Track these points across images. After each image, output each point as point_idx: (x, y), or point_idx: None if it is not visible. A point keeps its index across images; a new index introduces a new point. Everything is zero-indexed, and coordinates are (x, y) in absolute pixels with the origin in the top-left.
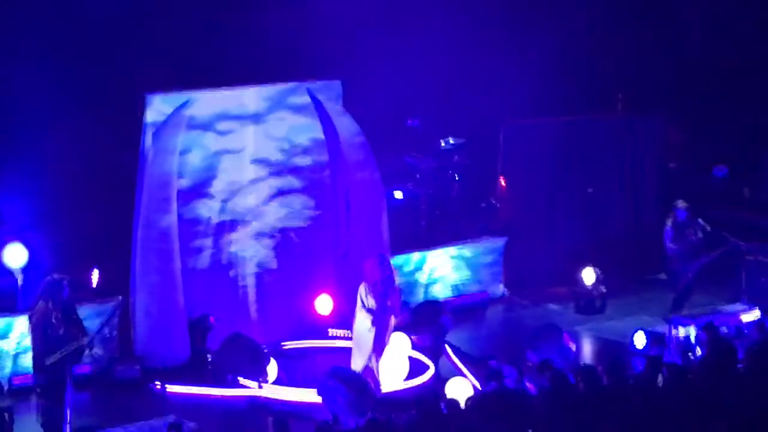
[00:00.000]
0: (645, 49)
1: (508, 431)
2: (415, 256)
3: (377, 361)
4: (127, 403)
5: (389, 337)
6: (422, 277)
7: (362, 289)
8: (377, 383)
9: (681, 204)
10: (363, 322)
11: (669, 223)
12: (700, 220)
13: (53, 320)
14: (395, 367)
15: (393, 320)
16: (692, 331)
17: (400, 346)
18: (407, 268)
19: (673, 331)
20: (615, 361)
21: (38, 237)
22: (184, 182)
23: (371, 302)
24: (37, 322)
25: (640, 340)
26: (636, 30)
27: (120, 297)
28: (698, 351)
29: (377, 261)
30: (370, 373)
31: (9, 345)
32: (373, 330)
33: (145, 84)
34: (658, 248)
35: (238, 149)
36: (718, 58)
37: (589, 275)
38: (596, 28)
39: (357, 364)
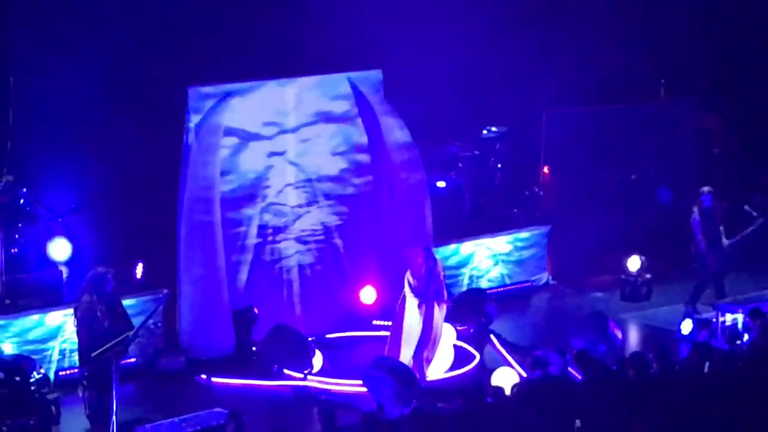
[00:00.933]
0: (687, 33)
1: (554, 420)
2: (459, 245)
3: (426, 351)
4: (173, 394)
5: (438, 327)
6: (466, 267)
7: (408, 279)
8: (423, 373)
9: (706, 189)
10: (412, 313)
11: (695, 210)
12: (746, 207)
13: (98, 313)
14: (440, 357)
15: (440, 310)
16: (739, 318)
17: (445, 336)
18: (451, 258)
19: (720, 318)
20: (664, 348)
21: (83, 230)
22: (228, 177)
23: (418, 291)
24: (82, 315)
25: (687, 327)
26: (678, 15)
27: (165, 290)
28: (745, 337)
29: (421, 252)
30: (418, 362)
31: (55, 338)
32: (422, 320)
33: (186, 77)
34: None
35: (280, 146)
36: (760, 41)
37: (634, 262)
38: (638, 14)
39: (405, 355)
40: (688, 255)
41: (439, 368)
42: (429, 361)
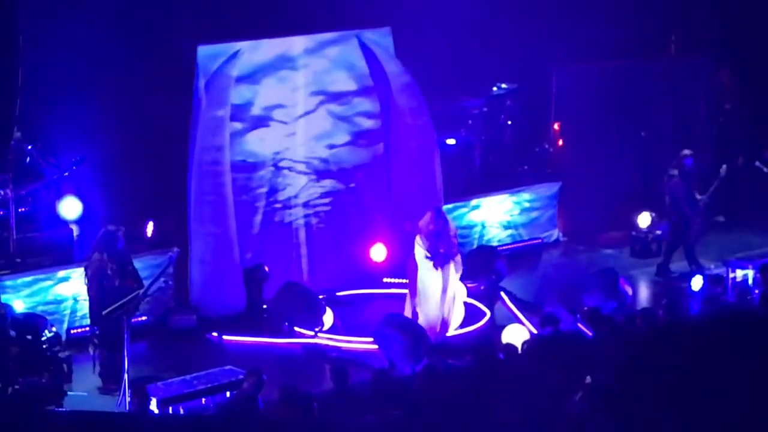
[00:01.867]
0: None
1: (565, 376)
2: (469, 202)
3: (444, 307)
4: (184, 352)
5: (454, 286)
6: (476, 225)
7: (419, 239)
8: (446, 328)
9: (688, 153)
10: (427, 274)
11: (676, 173)
12: (757, 163)
13: (109, 271)
14: (454, 314)
15: (454, 269)
16: (750, 273)
17: (457, 293)
18: (461, 215)
19: (731, 274)
20: (673, 301)
21: (93, 189)
22: (236, 137)
23: (428, 251)
24: (93, 273)
25: (697, 283)
26: None
27: (176, 248)
28: (756, 293)
29: (431, 213)
30: (440, 320)
31: (66, 296)
32: (441, 280)
33: (195, 35)
34: (715, 191)
35: (288, 99)
36: None
37: (644, 219)
38: None
39: (425, 313)
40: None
41: (451, 325)
42: (448, 319)
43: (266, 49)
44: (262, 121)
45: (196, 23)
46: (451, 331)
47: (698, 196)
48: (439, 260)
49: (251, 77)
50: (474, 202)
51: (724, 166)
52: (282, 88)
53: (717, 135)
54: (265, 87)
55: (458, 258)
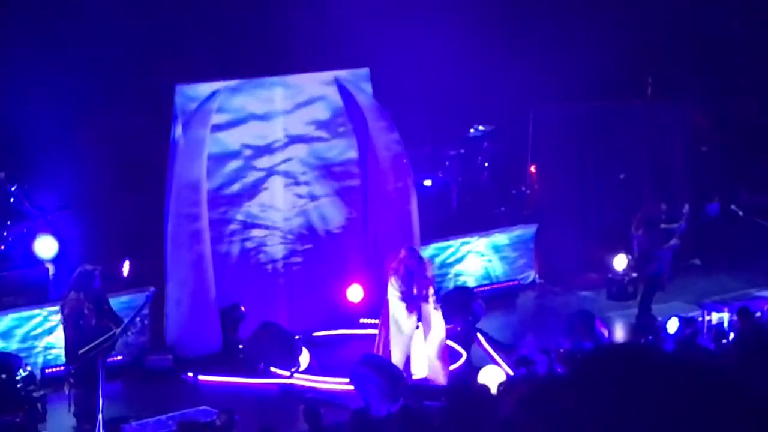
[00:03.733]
0: (673, 32)
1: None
2: (446, 243)
3: (441, 352)
4: (160, 392)
5: (434, 325)
6: (453, 266)
7: (393, 279)
8: (409, 370)
9: (664, 207)
10: (399, 317)
11: (639, 232)
12: (733, 207)
13: (85, 311)
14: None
15: (429, 309)
16: (725, 316)
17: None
18: (438, 257)
19: (707, 317)
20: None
21: (70, 228)
22: (215, 176)
23: (402, 291)
24: (69, 312)
25: (672, 325)
26: (665, 14)
27: (152, 287)
28: (731, 336)
29: (406, 252)
30: (443, 363)
31: (41, 336)
32: (415, 324)
33: (173, 75)
34: (690, 233)
35: (265, 139)
36: (746, 41)
37: (620, 261)
38: (625, 12)
39: (395, 355)
40: (680, 253)
41: (423, 367)
42: (445, 361)
43: (244, 90)
44: (238, 164)
45: (175, 63)
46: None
47: (672, 241)
48: (413, 302)
49: (229, 120)
50: (450, 243)
51: (686, 206)
52: (259, 127)
53: (693, 178)
54: (242, 128)
55: (431, 299)
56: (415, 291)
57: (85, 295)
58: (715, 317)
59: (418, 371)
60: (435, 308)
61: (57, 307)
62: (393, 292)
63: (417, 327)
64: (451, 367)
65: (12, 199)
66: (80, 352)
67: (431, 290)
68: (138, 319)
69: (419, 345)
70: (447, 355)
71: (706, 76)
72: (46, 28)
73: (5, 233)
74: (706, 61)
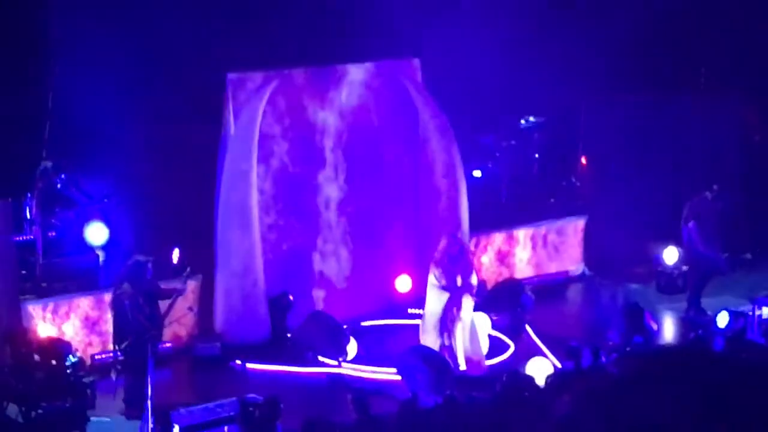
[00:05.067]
0: (726, 23)
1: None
2: (496, 235)
3: (451, 339)
4: (208, 380)
5: (464, 315)
6: (502, 256)
7: (433, 268)
8: (455, 360)
9: (716, 188)
10: (434, 300)
11: (690, 224)
12: None
13: (140, 301)
14: (476, 346)
15: (468, 299)
16: None
17: (480, 325)
18: (487, 248)
19: (757, 312)
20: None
21: (120, 215)
22: (266, 160)
23: (443, 281)
24: (124, 303)
25: (723, 319)
26: (717, 4)
27: (188, 268)
28: None
29: (448, 240)
30: (448, 351)
31: (91, 322)
32: (444, 308)
33: (225, 64)
34: (742, 226)
35: (318, 128)
36: None
37: (671, 254)
38: (678, 3)
39: (428, 341)
40: (731, 246)
41: (461, 359)
42: (470, 354)
43: (296, 80)
44: (290, 153)
45: (227, 51)
46: (476, 364)
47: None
48: (455, 293)
49: (281, 108)
50: (500, 234)
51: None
52: (310, 116)
53: (746, 170)
54: (293, 118)
55: (473, 284)
56: (459, 282)
57: (137, 285)
58: (765, 312)
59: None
60: (471, 299)
61: (107, 295)
62: (433, 282)
63: (459, 319)
64: (499, 359)
65: (59, 186)
66: (131, 340)
67: (474, 279)
68: (188, 307)
69: (459, 337)
70: (480, 347)
71: (758, 67)
72: (98, 18)
73: (54, 220)
74: (758, 53)
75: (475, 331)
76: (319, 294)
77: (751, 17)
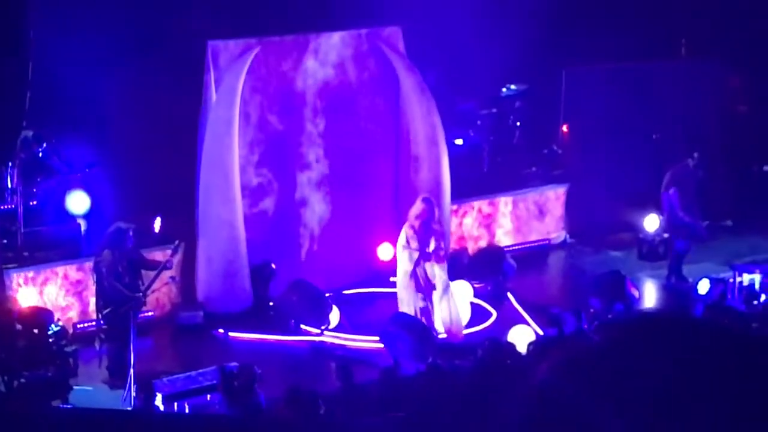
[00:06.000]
0: None
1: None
2: (476, 203)
3: (426, 301)
4: (191, 349)
5: (439, 283)
6: (483, 224)
7: (406, 229)
8: (432, 324)
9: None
10: (405, 260)
11: (670, 192)
12: (766, 168)
13: (120, 268)
14: (457, 313)
15: (441, 267)
16: (757, 278)
17: (461, 294)
18: (468, 215)
19: (738, 278)
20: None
21: (102, 184)
22: (246, 132)
23: (414, 243)
24: (101, 270)
25: (703, 286)
26: None
27: (177, 240)
28: (762, 297)
29: (423, 203)
30: (425, 313)
31: (73, 291)
32: (415, 265)
33: (206, 30)
34: (723, 193)
35: (298, 96)
36: None
37: (652, 221)
38: None
39: (404, 302)
40: (712, 214)
41: (456, 325)
42: (448, 325)
43: (276, 47)
44: (269, 120)
45: (207, 18)
46: (454, 336)
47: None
48: (424, 253)
49: (260, 74)
50: (481, 202)
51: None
52: (291, 86)
53: (727, 138)
54: (274, 85)
55: (444, 249)
56: (431, 246)
57: (118, 253)
58: (746, 278)
59: (442, 324)
60: (443, 266)
61: (89, 263)
62: (402, 243)
63: (433, 287)
64: (480, 327)
65: (40, 155)
66: (112, 308)
67: (443, 245)
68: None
69: (436, 304)
70: (459, 318)
71: (740, 35)
72: None
73: (35, 189)
74: (741, 20)
75: (453, 301)
76: (301, 262)
77: None
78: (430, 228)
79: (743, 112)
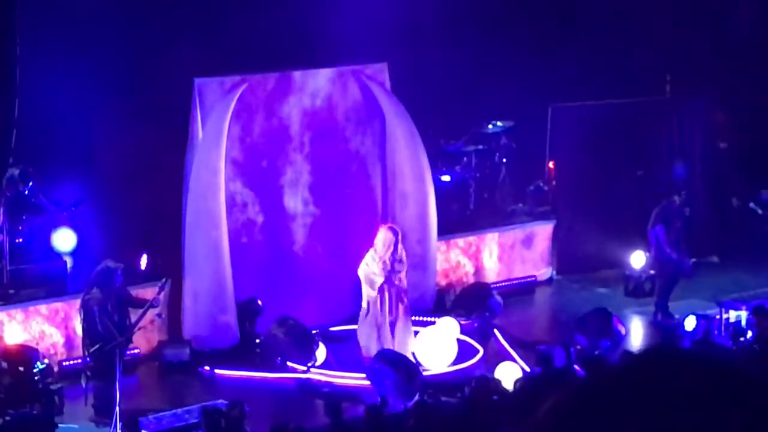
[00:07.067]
0: (692, 29)
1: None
2: (463, 239)
3: (386, 329)
4: (177, 386)
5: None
6: (471, 261)
7: (372, 256)
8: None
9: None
10: (369, 289)
11: (656, 229)
12: (752, 204)
13: (109, 307)
14: (442, 350)
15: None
16: (743, 315)
17: (448, 330)
18: (455, 252)
19: (724, 315)
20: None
21: (88, 221)
22: (233, 166)
23: (379, 269)
24: (92, 308)
25: (690, 323)
26: (683, 10)
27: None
28: (749, 334)
29: (388, 231)
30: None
31: (59, 328)
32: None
33: (193, 68)
34: (709, 230)
35: (284, 133)
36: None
37: (638, 258)
38: (644, 9)
39: (363, 333)
40: (698, 250)
41: (442, 362)
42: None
43: (263, 84)
44: (254, 157)
45: (194, 56)
46: (444, 368)
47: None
48: (389, 281)
49: (248, 111)
50: (467, 239)
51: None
52: (278, 123)
53: (712, 175)
54: (260, 123)
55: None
56: (394, 270)
57: (106, 291)
58: (733, 315)
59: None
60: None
61: (75, 301)
62: (365, 269)
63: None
64: (467, 363)
65: (27, 192)
66: (99, 346)
67: (404, 273)
68: (156, 306)
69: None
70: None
71: (724, 73)
72: (64, 24)
73: (21, 227)
74: (725, 58)
75: (408, 329)
76: (287, 299)
77: (718, 22)
78: (394, 257)
79: (726, 147)
